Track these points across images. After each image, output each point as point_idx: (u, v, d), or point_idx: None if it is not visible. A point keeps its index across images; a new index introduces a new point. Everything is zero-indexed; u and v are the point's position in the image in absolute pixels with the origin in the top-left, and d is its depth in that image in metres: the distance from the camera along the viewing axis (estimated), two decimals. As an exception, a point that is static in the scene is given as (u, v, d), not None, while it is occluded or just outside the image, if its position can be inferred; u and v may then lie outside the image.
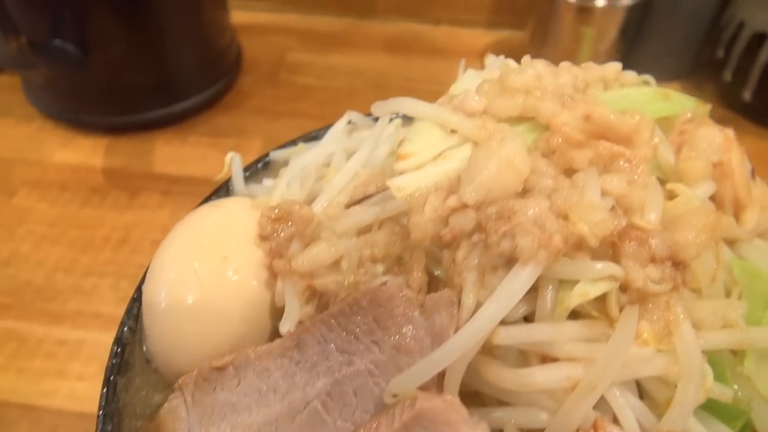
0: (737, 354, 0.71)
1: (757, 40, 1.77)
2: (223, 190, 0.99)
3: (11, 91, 1.81)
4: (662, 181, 0.77)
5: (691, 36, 1.96)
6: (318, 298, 0.76)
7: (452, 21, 2.20)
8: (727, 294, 0.73)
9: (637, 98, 0.82)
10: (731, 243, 0.79)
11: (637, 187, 0.69)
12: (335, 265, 0.77)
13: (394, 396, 0.61)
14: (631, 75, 0.88)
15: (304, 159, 0.94)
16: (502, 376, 0.64)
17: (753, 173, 0.83)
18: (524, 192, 0.70)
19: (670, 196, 0.72)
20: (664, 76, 1.92)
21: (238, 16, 2.02)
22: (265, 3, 2.17)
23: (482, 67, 2.16)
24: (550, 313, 0.65)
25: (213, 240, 0.80)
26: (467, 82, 0.89)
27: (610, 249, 0.67)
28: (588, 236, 0.63)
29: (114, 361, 0.78)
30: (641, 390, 0.69)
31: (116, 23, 1.59)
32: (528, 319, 0.67)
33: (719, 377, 0.69)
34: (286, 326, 0.75)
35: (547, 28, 1.89)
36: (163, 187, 1.64)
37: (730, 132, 0.82)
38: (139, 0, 1.60)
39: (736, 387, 0.70)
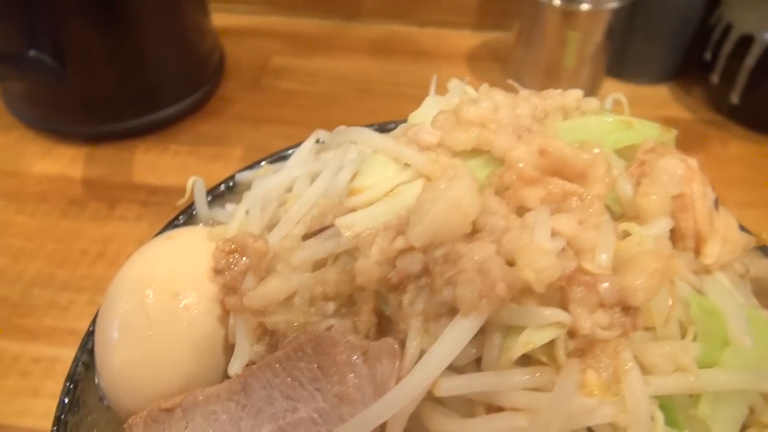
0: (693, 396, 0.69)
1: (745, 42, 1.76)
2: (186, 214, 0.97)
3: (-10, 100, 1.80)
4: (620, 216, 0.76)
5: (678, 38, 1.95)
6: (269, 337, 0.75)
7: (439, 23, 2.19)
8: (683, 334, 0.71)
9: (597, 128, 0.80)
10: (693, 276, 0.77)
11: (588, 227, 0.68)
12: (288, 301, 0.75)
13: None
14: (592, 102, 0.86)
15: (265, 184, 0.92)
16: (444, 427, 0.63)
17: (716, 203, 0.81)
18: (475, 232, 0.68)
19: (624, 235, 0.70)
20: (652, 78, 1.91)
21: (221, 20, 2.00)
22: (249, 6, 2.15)
23: (468, 69, 2.15)
24: (496, 361, 0.63)
25: (165, 274, 0.79)
26: (427, 109, 0.87)
27: (559, 294, 0.65)
28: (534, 283, 0.61)
29: (66, 399, 0.77)
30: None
31: (93, 33, 1.58)
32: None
33: (671, 422, 0.67)
34: (234, 367, 0.74)
35: (532, 31, 1.88)
36: (142, 198, 1.63)
37: (693, 162, 0.80)
38: (117, 8, 1.58)
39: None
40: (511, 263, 0.65)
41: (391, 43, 2.14)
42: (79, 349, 0.82)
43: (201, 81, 1.81)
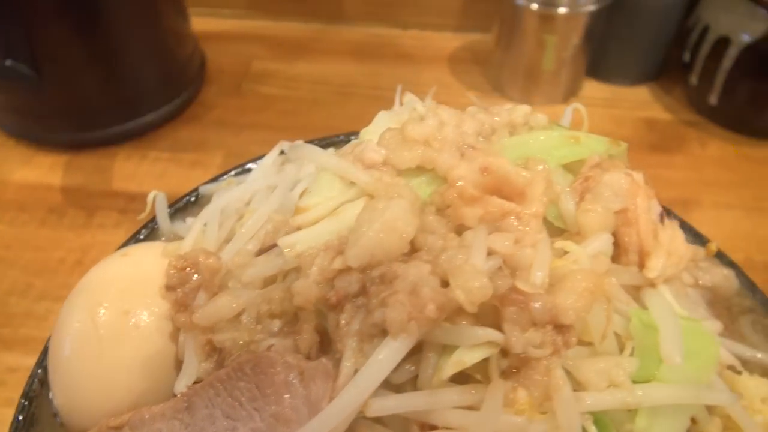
0: (631, 411, 0.70)
1: (722, 44, 1.76)
2: (148, 229, 0.98)
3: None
4: (563, 232, 0.77)
5: (657, 40, 1.95)
6: (217, 354, 0.76)
7: (421, 25, 2.19)
8: (622, 349, 0.72)
9: (543, 144, 0.81)
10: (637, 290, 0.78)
11: (525, 245, 0.69)
12: (236, 319, 0.76)
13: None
14: (540, 118, 0.87)
15: (224, 198, 0.93)
16: (378, 446, 0.64)
17: (662, 217, 0.82)
18: (414, 250, 0.69)
19: (562, 253, 0.71)
20: (632, 80, 1.92)
21: (203, 24, 2.01)
22: (232, 10, 2.15)
23: (449, 72, 2.16)
24: (429, 380, 0.64)
25: (116, 292, 0.80)
26: (378, 125, 0.88)
27: (494, 313, 0.66)
28: (464, 303, 0.63)
29: (20, 417, 0.78)
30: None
31: (69, 40, 1.58)
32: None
33: (604, 436, 0.68)
34: (181, 385, 0.75)
35: (511, 35, 1.89)
36: (121, 206, 1.64)
37: (638, 176, 0.81)
38: (93, 16, 1.58)
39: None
40: (446, 283, 0.66)
41: (373, 46, 2.14)
42: (35, 365, 0.83)
43: (180, 87, 1.82)
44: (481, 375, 0.66)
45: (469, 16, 2.15)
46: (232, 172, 1.06)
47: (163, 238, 1.00)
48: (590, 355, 0.70)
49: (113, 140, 1.76)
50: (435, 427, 0.65)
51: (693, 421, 0.79)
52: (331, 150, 0.87)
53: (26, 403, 0.80)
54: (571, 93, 1.98)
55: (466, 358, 0.64)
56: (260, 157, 1.07)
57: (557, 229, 0.77)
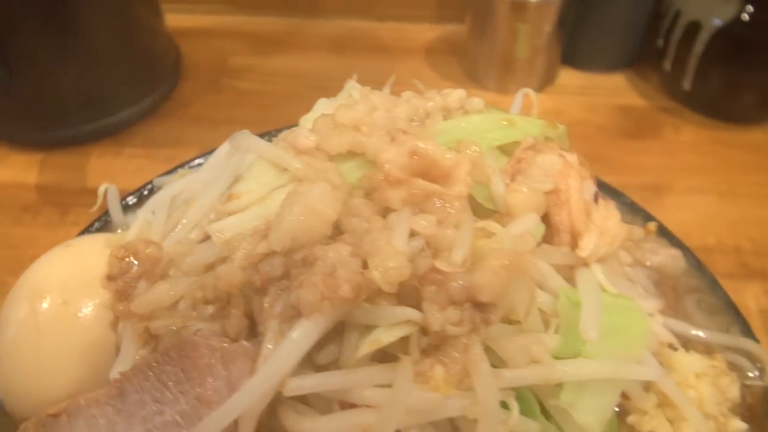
0: (558, 386, 0.71)
1: (693, 28, 1.76)
2: (101, 221, 0.99)
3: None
4: (493, 213, 0.77)
5: (631, 26, 1.96)
6: (154, 341, 0.77)
7: (398, 17, 2.19)
8: (547, 327, 0.73)
9: (477, 126, 0.82)
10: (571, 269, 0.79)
11: (448, 226, 0.69)
12: (174, 306, 0.77)
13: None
14: (476, 101, 0.87)
15: (171, 188, 0.94)
16: (297, 425, 0.65)
17: (596, 197, 0.82)
18: (338, 234, 0.70)
19: (487, 233, 0.72)
20: (608, 67, 1.92)
21: (180, 20, 2.02)
22: (209, 5, 2.16)
23: (426, 63, 2.17)
24: (348, 360, 0.65)
25: (58, 283, 0.81)
26: (317, 112, 0.89)
27: (414, 293, 0.67)
28: (381, 283, 0.63)
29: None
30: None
31: (39, 38, 1.58)
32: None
33: (528, 412, 0.69)
34: (116, 371, 0.76)
35: (484, 24, 1.89)
36: (95, 203, 1.65)
37: (572, 158, 0.82)
38: (63, 13, 1.58)
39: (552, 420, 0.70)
40: (367, 264, 0.67)
41: (350, 40, 2.15)
42: (-18, 356, 0.84)
43: (154, 83, 1.82)
44: (402, 354, 0.67)
45: (446, 7, 2.15)
46: (193, 163, 1.06)
47: (119, 231, 1.01)
48: (516, 333, 0.71)
49: (88, 138, 1.77)
50: (355, 405, 0.66)
51: (626, 397, 0.80)
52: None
53: (-28, 392, 0.81)
54: (546, 81, 1.98)
55: (383, 336, 0.65)
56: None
57: (488, 211, 0.78)
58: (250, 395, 0.62)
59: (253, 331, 0.73)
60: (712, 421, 0.80)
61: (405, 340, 0.67)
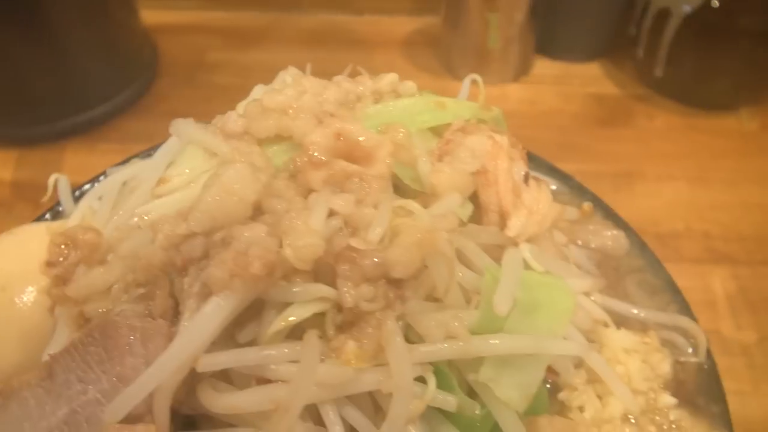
0: (479, 361, 0.72)
1: (663, 15, 1.77)
2: (53, 212, 1.01)
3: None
4: (419, 194, 0.79)
5: (605, 15, 1.96)
6: (87, 324, 0.78)
7: (376, 10, 2.20)
8: (468, 303, 0.74)
9: (406, 109, 0.83)
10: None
11: (366, 206, 0.71)
12: (109, 290, 0.79)
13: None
14: (409, 85, 0.88)
15: (119, 176, 0.95)
16: (214, 401, 0.66)
17: (527, 178, 0.83)
18: (260, 215, 0.71)
19: (405, 213, 0.73)
20: (584, 56, 1.93)
21: (157, 17, 2.03)
22: (186, 1, 2.17)
23: (402, 55, 2.17)
24: (262, 336, 0.67)
25: (-4, 270, 0.83)
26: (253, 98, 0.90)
27: (332, 271, 0.68)
28: (293, 260, 0.65)
29: None
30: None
31: (12, 35, 1.60)
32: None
33: (447, 387, 0.70)
34: (47, 353, 0.78)
35: (457, 14, 1.90)
36: (69, 198, 1.66)
37: (502, 139, 0.83)
38: (37, 10, 1.60)
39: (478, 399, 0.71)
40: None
41: (327, 33, 2.16)
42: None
43: (130, 79, 1.84)
44: (320, 331, 0.68)
45: (424, -1, 2.16)
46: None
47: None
48: (435, 310, 0.72)
49: (64, 134, 1.79)
50: (270, 381, 0.67)
51: (556, 373, 0.81)
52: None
53: None
54: (521, 71, 1.99)
55: (295, 313, 0.66)
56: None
57: (415, 192, 0.79)
58: (161, 370, 0.63)
59: (178, 311, 0.74)
60: (641, 397, 0.81)
61: (322, 317, 0.68)
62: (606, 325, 0.86)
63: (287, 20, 2.25)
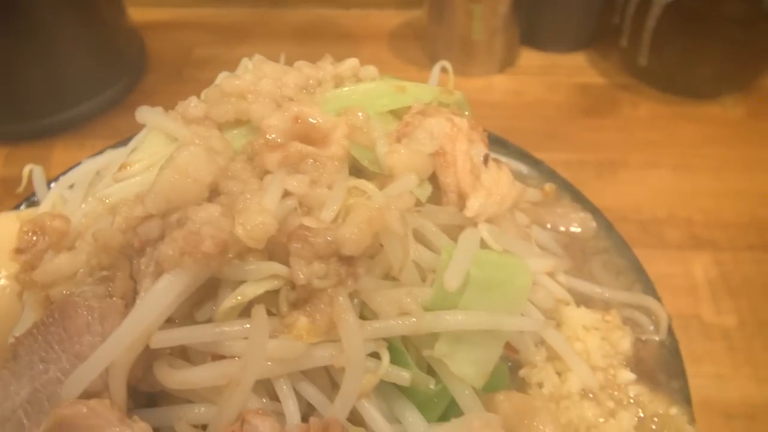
0: (434, 337, 0.74)
1: (646, 3, 1.77)
2: (29, 201, 1.02)
3: None
4: (377, 175, 0.80)
5: (590, 4, 1.97)
6: (53, 307, 0.80)
7: (363, 4, 2.21)
8: (424, 281, 0.75)
9: (366, 93, 0.84)
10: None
11: (320, 186, 0.72)
12: (75, 275, 0.80)
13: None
14: (370, 69, 0.90)
15: (90, 164, 0.97)
16: (169, 378, 0.68)
17: (486, 159, 0.84)
18: (217, 196, 0.73)
19: (359, 193, 0.74)
20: (569, 46, 1.94)
21: (144, 14, 2.04)
22: (174, -2, 2.18)
23: (389, 48, 2.18)
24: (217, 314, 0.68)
25: (-36, 256, 0.84)
26: (220, 85, 0.91)
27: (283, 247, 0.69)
28: (245, 239, 0.66)
29: None
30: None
31: (-1, 33, 1.61)
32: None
33: (401, 362, 0.71)
34: (12, 336, 0.79)
35: (442, 6, 1.91)
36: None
37: (461, 122, 0.84)
38: (23, 7, 1.61)
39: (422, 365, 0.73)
40: (235, 224, 0.69)
41: (315, 28, 2.17)
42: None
43: (118, 75, 1.85)
44: (274, 308, 0.69)
45: (412, -8, 2.16)
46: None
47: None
48: (390, 288, 0.73)
49: (53, 130, 1.80)
50: (223, 357, 0.68)
51: (515, 350, 0.82)
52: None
53: None
54: (507, 63, 1.99)
55: (248, 290, 0.67)
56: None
57: (373, 174, 0.80)
58: (114, 346, 0.65)
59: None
60: (600, 373, 0.82)
61: (275, 295, 0.69)
62: (568, 304, 0.87)
63: (274, 15, 2.26)
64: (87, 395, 0.66)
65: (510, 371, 0.84)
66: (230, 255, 0.67)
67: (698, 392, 1.26)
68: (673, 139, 1.78)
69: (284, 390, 0.68)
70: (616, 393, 0.81)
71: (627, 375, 0.83)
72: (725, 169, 1.70)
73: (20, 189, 1.04)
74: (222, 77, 0.93)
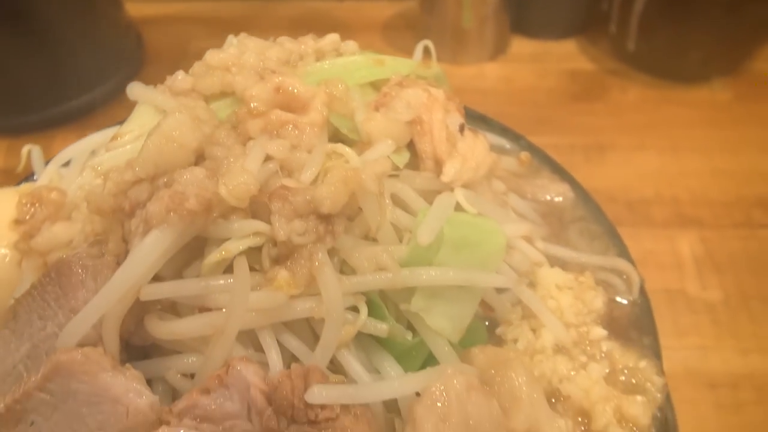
0: (410, 292, 0.77)
1: (633, -11, 1.80)
2: (29, 181, 1.06)
3: None
4: (356, 142, 0.84)
5: (579, -9, 1.99)
6: (50, 272, 0.84)
7: (357, -4, 2.24)
8: (401, 240, 0.79)
9: (345, 66, 0.88)
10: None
11: (300, 150, 0.76)
12: (71, 242, 0.84)
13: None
14: (351, 44, 0.94)
15: (86, 142, 1.01)
16: (159, 329, 0.72)
17: (462, 128, 0.88)
18: (203, 161, 0.77)
19: (337, 156, 0.78)
20: (560, 33, 1.98)
21: (142, 9, 2.08)
22: (172, -7, 2.22)
23: (382, 38, 2.22)
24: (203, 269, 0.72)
25: (-34, 227, 0.89)
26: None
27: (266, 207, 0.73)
28: (228, 198, 0.70)
29: None
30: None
31: (-2, 27, 1.65)
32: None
33: (379, 316, 0.75)
34: (12, 299, 0.83)
35: (433, -4, 1.93)
36: (57, 182, 1.72)
37: (438, 93, 0.88)
38: (21, 2, 1.65)
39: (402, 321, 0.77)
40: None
41: (310, 20, 2.20)
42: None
43: (116, 68, 1.89)
44: (258, 265, 0.73)
45: (404, -17, 2.20)
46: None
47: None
48: (367, 246, 0.77)
49: (53, 122, 1.84)
50: (210, 309, 0.73)
51: (491, 309, 0.86)
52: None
53: None
54: (498, 50, 2.03)
55: (231, 246, 0.71)
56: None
57: (352, 141, 0.84)
58: (106, 298, 0.69)
59: (129, 252, 0.79)
60: (573, 330, 0.85)
61: (258, 252, 0.74)
62: (542, 266, 0.91)
63: (270, 8, 2.30)
64: (81, 346, 0.70)
65: (487, 330, 0.87)
66: (215, 214, 0.71)
67: (683, 363, 1.31)
68: (661, 122, 1.81)
69: (267, 340, 0.72)
70: (588, 348, 0.85)
71: (599, 331, 0.86)
72: (712, 150, 1.73)
73: (19, 168, 1.08)
74: (209, 53, 0.97)
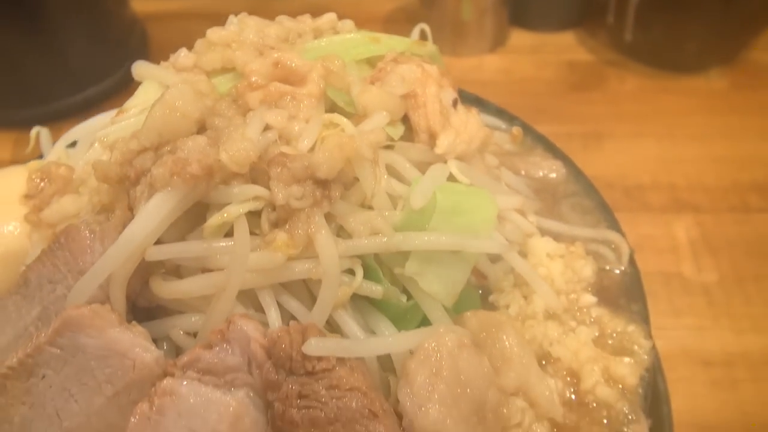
0: (405, 256, 0.80)
1: (629, -20, 1.82)
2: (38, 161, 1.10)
3: None
4: (353, 115, 0.87)
5: (576, -16, 2.02)
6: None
7: (357, -10, 2.27)
8: (395, 207, 0.82)
9: (342, 44, 0.91)
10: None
11: (298, 120, 0.79)
12: (78, 214, 0.88)
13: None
14: (347, 23, 0.97)
15: (93, 121, 1.04)
16: (162, 289, 0.75)
17: (455, 103, 0.92)
18: (205, 131, 0.80)
19: (333, 125, 0.81)
20: (558, 25, 2.01)
21: (147, 5, 2.12)
22: (176, -11, 2.26)
23: (382, 32, 2.24)
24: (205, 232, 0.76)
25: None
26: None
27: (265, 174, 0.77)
28: (229, 163, 0.73)
29: None
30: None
31: (4, 21, 1.69)
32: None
33: (374, 279, 0.78)
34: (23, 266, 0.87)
35: (432, -10, 1.96)
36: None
37: (431, 68, 0.91)
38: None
39: (398, 286, 0.80)
40: (220, 152, 0.77)
41: (311, 14, 2.22)
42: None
43: (120, 63, 1.92)
44: (258, 229, 0.77)
45: (404, -23, 2.23)
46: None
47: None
48: (363, 211, 0.80)
49: (60, 116, 1.86)
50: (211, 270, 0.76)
51: (484, 276, 0.89)
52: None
53: None
54: (497, 42, 2.06)
55: (232, 209, 0.74)
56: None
57: (349, 114, 0.87)
58: (112, 258, 0.72)
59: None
60: (563, 296, 0.88)
61: (258, 216, 0.77)
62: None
63: (272, 4, 2.32)
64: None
65: (480, 298, 0.90)
66: (216, 180, 0.74)
67: (679, 342, 1.33)
68: (658, 111, 1.84)
69: (267, 300, 0.75)
70: (578, 314, 0.88)
71: (589, 298, 0.89)
72: (708, 137, 1.76)
73: (28, 150, 1.11)
74: (210, 30, 1.01)
